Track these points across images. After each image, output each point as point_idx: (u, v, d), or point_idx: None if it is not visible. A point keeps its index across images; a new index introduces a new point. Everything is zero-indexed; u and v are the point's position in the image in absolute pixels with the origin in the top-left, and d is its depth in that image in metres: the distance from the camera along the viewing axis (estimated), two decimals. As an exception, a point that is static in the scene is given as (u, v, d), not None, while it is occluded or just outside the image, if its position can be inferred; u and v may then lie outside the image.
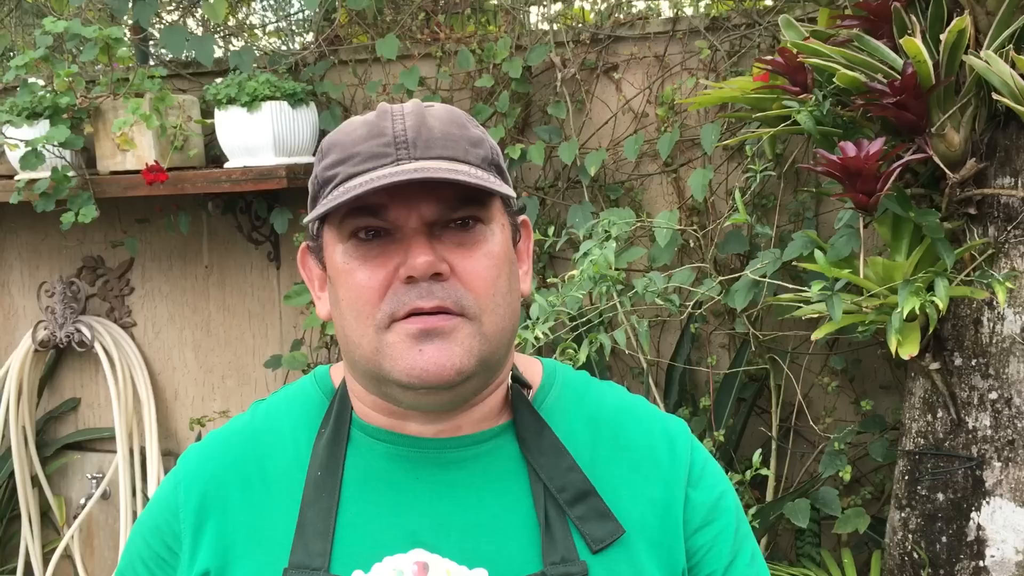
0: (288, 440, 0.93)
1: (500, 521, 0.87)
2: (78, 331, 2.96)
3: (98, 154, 2.67)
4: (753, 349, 2.28)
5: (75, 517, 3.02)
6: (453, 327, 0.82)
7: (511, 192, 0.84)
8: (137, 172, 2.57)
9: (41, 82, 2.66)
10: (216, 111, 2.56)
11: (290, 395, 0.98)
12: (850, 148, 1.62)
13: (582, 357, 1.86)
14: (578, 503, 0.88)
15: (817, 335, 1.80)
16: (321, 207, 0.82)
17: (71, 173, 2.60)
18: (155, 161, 2.55)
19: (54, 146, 2.57)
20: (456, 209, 0.83)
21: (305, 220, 0.86)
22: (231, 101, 2.51)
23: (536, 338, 1.87)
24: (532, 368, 0.97)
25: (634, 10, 2.56)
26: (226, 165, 2.59)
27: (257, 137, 2.52)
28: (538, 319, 1.87)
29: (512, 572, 0.85)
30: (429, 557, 0.86)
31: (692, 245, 2.37)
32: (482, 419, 0.90)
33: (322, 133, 2.65)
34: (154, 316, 3.00)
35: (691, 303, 2.15)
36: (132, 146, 2.58)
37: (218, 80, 2.61)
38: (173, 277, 2.96)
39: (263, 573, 0.87)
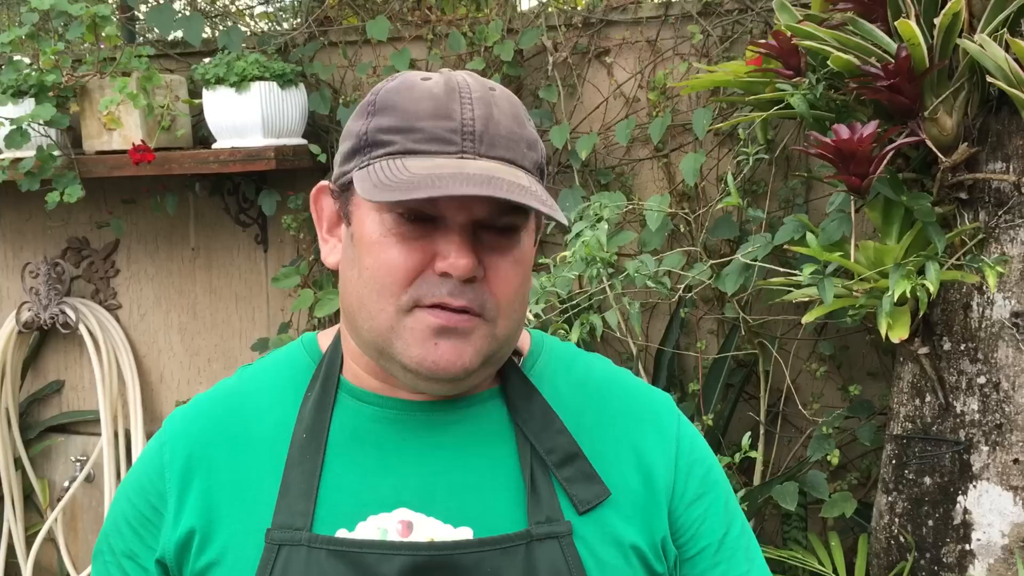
0: (275, 402, 0.93)
1: (486, 481, 0.88)
2: (62, 312, 2.93)
3: (84, 133, 2.65)
4: (742, 334, 2.28)
5: (59, 500, 2.99)
6: (471, 328, 0.83)
7: (565, 222, 0.83)
8: (123, 152, 2.54)
9: (27, 60, 2.62)
10: (204, 91, 2.54)
11: (277, 359, 0.98)
12: (843, 130, 1.62)
13: (573, 338, 1.85)
14: (566, 465, 0.89)
15: (808, 318, 1.80)
16: (382, 190, 0.78)
17: (56, 152, 2.57)
18: (142, 141, 2.52)
19: (39, 124, 2.54)
20: (503, 214, 0.83)
21: (354, 185, 0.82)
22: (219, 81, 2.49)
23: (527, 320, 1.87)
24: (521, 337, 0.97)
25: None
26: (214, 146, 2.57)
27: (245, 118, 2.50)
28: (530, 298, 1.87)
29: (497, 531, 0.86)
30: (413, 516, 0.86)
31: (683, 230, 2.37)
32: (473, 386, 0.91)
33: (312, 115, 2.63)
34: (139, 298, 2.98)
35: (681, 286, 2.15)
36: (119, 125, 2.55)
37: (206, 60, 2.59)
38: (159, 259, 2.94)
39: (247, 533, 0.87)
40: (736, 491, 2.07)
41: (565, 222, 0.82)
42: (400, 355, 0.84)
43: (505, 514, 0.87)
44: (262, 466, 0.89)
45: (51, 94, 2.53)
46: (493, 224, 0.83)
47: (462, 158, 0.81)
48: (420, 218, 0.82)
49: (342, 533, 0.86)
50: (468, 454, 0.89)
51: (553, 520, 0.86)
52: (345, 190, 0.87)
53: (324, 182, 0.91)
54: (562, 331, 1.90)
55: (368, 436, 0.89)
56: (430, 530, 0.86)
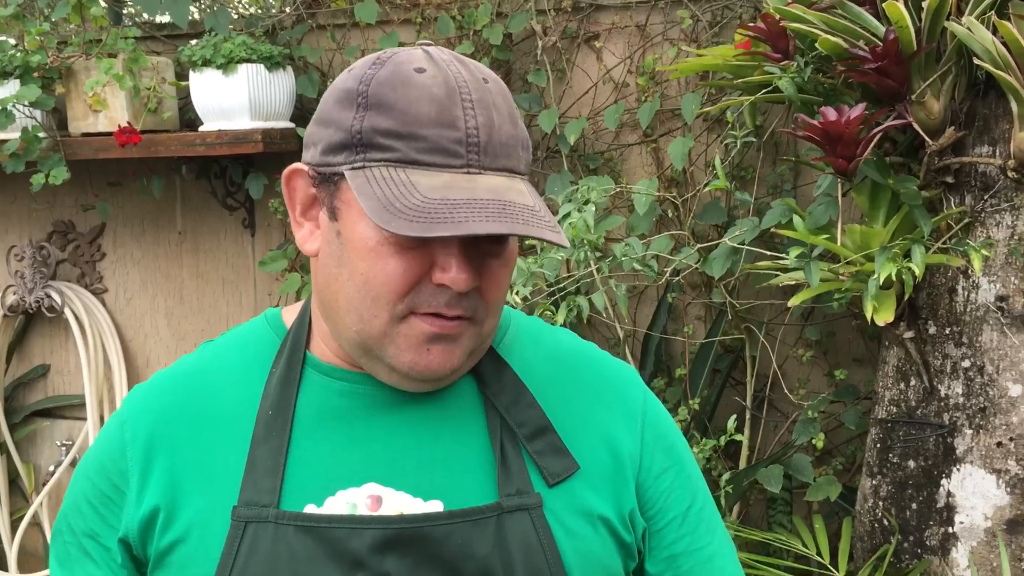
0: (239, 378, 0.92)
1: (456, 455, 0.88)
2: (48, 296, 2.91)
3: (69, 115, 2.63)
4: (729, 319, 2.28)
5: (44, 484, 2.98)
6: (462, 332, 0.84)
7: (567, 245, 0.84)
8: (109, 134, 2.53)
9: (12, 41, 2.60)
10: (191, 73, 2.52)
11: (241, 335, 0.96)
12: (831, 112, 1.62)
13: (560, 320, 1.85)
14: (536, 438, 0.89)
15: (794, 301, 1.80)
16: (396, 216, 0.76)
17: (42, 134, 2.55)
18: (128, 123, 2.50)
19: (24, 106, 2.52)
20: None
21: (346, 183, 0.80)
22: (206, 63, 2.47)
23: (515, 304, 1.86)
24: None
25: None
26: (200, 128, 2.55)
27: (232, 100, 2.48)
28: (517, 280, 1.87)
29: (467, 504, 0.86)
30: (383, 490, 0.86)
31: (671, 215, 2.37)
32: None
33: (299, 98, 2.62)
34: (126, 282, 2.96)
35: (669, 269, 2.15)
36: (104, 107, 2.53)
37: (193, 42, 2.57)
38: (145, 243, 2.92)
39: (213, 511, 0.86)
40: (721, 475, 2.08)
41: (567, 245, 0.83)
42: (391, 359, 0.84)
43: (475, 487, 0.87)
44: (227, 443, 0.88)
45: (36, 75, 2.51)
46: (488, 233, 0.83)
47: (468, 173, 0.80)
48: None
49: (310, 509, 0.85)
50: (438, 428, 0.89)
51: (523, 492, 0.87)
52: (329, 181, 0.84)
53: (298, 165, 0.88)
54: (548, 313, 1.89)
55: (335, 411, 0.89)
56: (400, 504, 0.86)
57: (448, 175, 0.79)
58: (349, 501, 0.85)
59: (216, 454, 0.88)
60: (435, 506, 0.86)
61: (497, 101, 0.83)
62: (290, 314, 0.95)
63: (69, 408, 3.04)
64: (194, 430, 0.90)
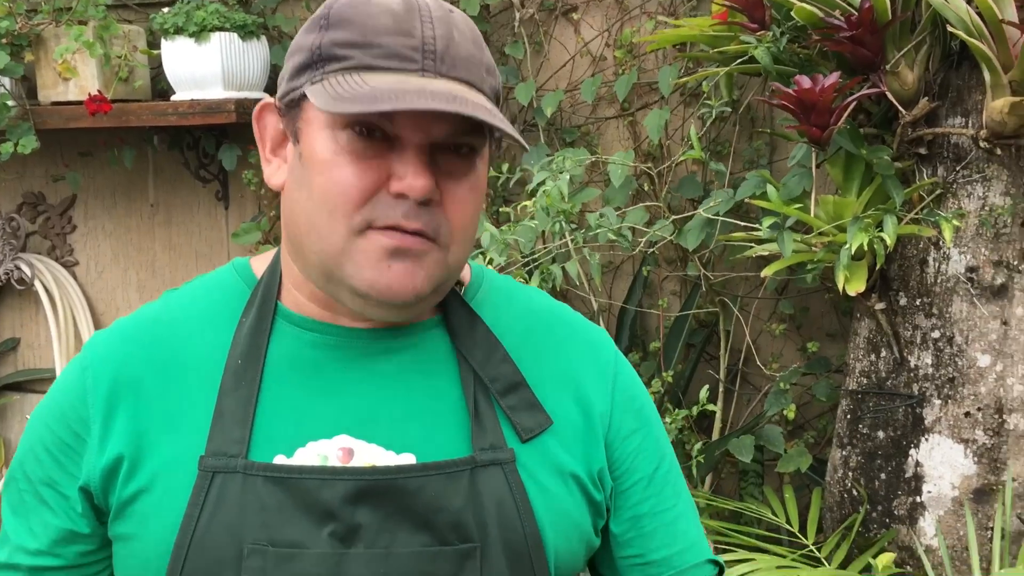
0: (207, 327, 0.90)
1: (429, 409, 0.87)
2: (17, 268, 2.87)
3: (39, 84, 2.58)
4: (704, 292, 2.29)
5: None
6: (425, 251, 0.82)
7: (527, 146, 0.84)
8: (80, 103, 2.49)
9: (-21, 6, 2.56)
10: (163, 41, 2.49)
11: (208, 283, 0.95)
12: (805, 81, 1.62)
13: (534, 285, 1.84)
14: (509, 393, 0.89)
15: (767, 271, 1.81)
16: (341, 102, 0.76)
17: (10, 102, 2.51)
18: (98, 91, 2.47)
19: (-8, 72, 2.48)
20: (462, 135, 0.82)
21: (305, 100, 0.81)
22: (178, 31, 2.44)
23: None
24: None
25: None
26: (173, 98, 2.52)
27: (205, 69, 2.45)
28: (490, 247, 1.86)
29: (440, 457, 0.85)
30: (354, 442, 0.85)
31: (647, 189, 2.37)
32: (418, 313, 0.90)
33: (273, 68, 2.59)
34: (97, 255, 2.93)
35: (643, 240, 2.15)
36: (74, 75, 2.49)
37: (165, 10, 2.53)
38: (117, 215, 2.89)
39: (179, 460, 0.85)
40: (693, 446, 2.08)
41: (527, 147, 0.83)
42: (351, 278, 0.82)
43: (448, 441, 0.86)
44: (194, 392, 0.87)
45: (4, 42, 2.46)
46: (450, 147, 0.82)
47: (423, 76, 0.79)
48: (376, 137, 0.80)
49: (280, 460, 0.84)
50: (411, 382, 0.88)
51: (497, 447, 0.86)
52: (293, 107, 0.84)
53: (268, 99, 0.88)
54: (522, 279, 1.89)
55: (307, 363, 0.87)
56: (371, 456, 0.85)
57: (402, 75, 0.79)
58: (320, 453, 0.84)
59: (182, 403, 0.87)
60: (407, 459, 0.85)
61: (460, 25, 0.83)
62: (259, 264, 0.94)
63: (39, 382, 3.00)
64: (160, 378, 0.88)
